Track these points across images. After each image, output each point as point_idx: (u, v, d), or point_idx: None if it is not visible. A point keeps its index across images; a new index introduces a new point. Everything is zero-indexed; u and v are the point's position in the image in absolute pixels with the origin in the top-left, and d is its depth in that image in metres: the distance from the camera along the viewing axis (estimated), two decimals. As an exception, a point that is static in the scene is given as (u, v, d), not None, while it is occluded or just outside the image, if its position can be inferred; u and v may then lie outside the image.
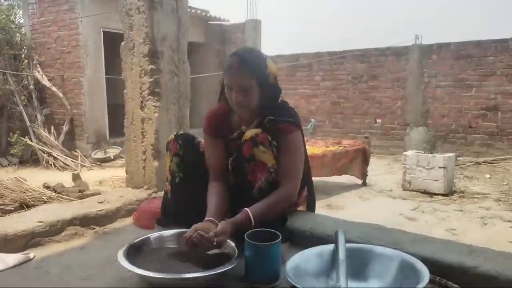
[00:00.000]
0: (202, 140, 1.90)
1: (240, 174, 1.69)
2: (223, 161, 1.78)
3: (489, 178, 6.07)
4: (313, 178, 2.02)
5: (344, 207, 4.65)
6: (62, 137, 7.64)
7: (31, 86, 7.76)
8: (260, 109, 1.73)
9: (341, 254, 1.39)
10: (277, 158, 1.65)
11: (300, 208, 1.96)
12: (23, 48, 8.10)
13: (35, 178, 5.06)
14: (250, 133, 1.65)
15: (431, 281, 1.29)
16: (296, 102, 9.25)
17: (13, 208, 3.20)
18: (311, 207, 1.97)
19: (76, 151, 7.51)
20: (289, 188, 1.67)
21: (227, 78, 1.69)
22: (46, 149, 7.23)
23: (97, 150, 7.63)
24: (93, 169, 6.99)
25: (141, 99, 2.67)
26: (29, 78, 7.77)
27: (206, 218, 1.60)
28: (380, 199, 5.05)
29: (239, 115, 1.78)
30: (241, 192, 1.69)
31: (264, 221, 1.57)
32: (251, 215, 1.56)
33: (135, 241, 1.59)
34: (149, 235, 1.66)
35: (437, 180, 5.12)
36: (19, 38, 8.05)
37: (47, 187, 3.85)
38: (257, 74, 1.66)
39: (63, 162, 7.08)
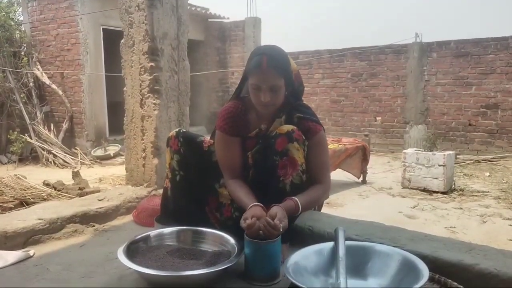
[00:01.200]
0: (205, 139, 1.88)
1: (263, 167, 1.66)
2: (240, 159, 1.76)
3: (489, 176, 6.07)
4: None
5: (344, 205, 4.66)
6: (61, 134, 7.64)
7: (31, 84, 7.75)
8: (281, 108, 1.73)
9: (341, 252, 1.39)
10: (310, 156, 1.66)
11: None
12: (23, 45, 8.09)
13: (34, 176, 5.06)
14: (285, 127, 1.63)
15: (430, 279, 1.29)
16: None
17: (13, 206, 3.21)
18: (313, 205, 1.97)
19: (76, 149, 7.51)
20: (327, 184, 1.72)
21: (256, 77, 1.62)
22: (46, 147, 7.22)
23: (97, 148, 7.63)
24: (92, 167, 6.99)
25: (141, 97, 2.67)
26: (29, 75, 7.76)
27: (253, 204, 1.54)
28: (379, 197, 5.05)
29: (258, 113, 1.75)
30: (264, 185, 1.65)
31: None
32: (300, 204, 1.57)
33: (135, 238, 1.59)
34: (149, 233, 1.66)
35: (436, 178, 5.12)
36: (18, 36, 8.03)
37: (47, 185, 3.86)
38: (285, 72, 1.64)
39: (63, 160, 7.08)
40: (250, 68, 1.65)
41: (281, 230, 1.42)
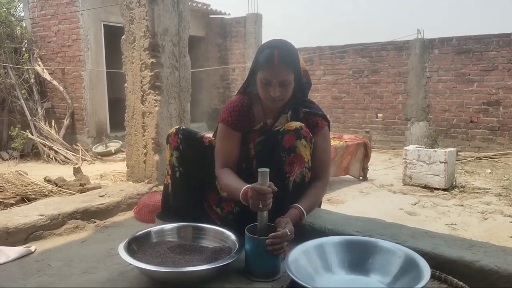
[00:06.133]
0: (205, 135, 1.88)
1: (268, 162, 1.64)
2: (237, 153, 1.77)
3: (490, 173, 6.07)
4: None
5: (345, 201, 4.66)
6: (63, 131, 7.65)
7: (32, 80, 7.75)
8: (288, 103, 1.72)
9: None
10: (313, 151, 1.66)
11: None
12: (24, 41, 8.08)
13: (36, 172, 5.07)
14: (293, 124, 1.62)
15: (431, 275, 1.28)
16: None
17: (14, 202, 3.22)
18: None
19: (77, 145, 7.52)
20: (326, 180, 1.73)
21: (267, 72, 1.60)
22: (47, 143, 7.24)
23: (98, 144, 7.64)
24: (94, 163, 7.00)
25: (142, 93, 2.67)
26: (30, 71, 7.76)
27: (246, 186, 1.52)
28: (380, 194, 5.05)
29: (264, 107, 1.75)
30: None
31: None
32: (304, 211, 1.58)
33: (136, 234, 1.59)
34: (149, 229, 1.66)
35: (437, 175, 5.12)
36: (19, 32, 8.02)
37: (48, 181, 3.87)
38: (295, 68, 1.63)
39: (64, 156, 7.09)
40: (260, 62, 1.63)
41: (286, 244, 1.44)
